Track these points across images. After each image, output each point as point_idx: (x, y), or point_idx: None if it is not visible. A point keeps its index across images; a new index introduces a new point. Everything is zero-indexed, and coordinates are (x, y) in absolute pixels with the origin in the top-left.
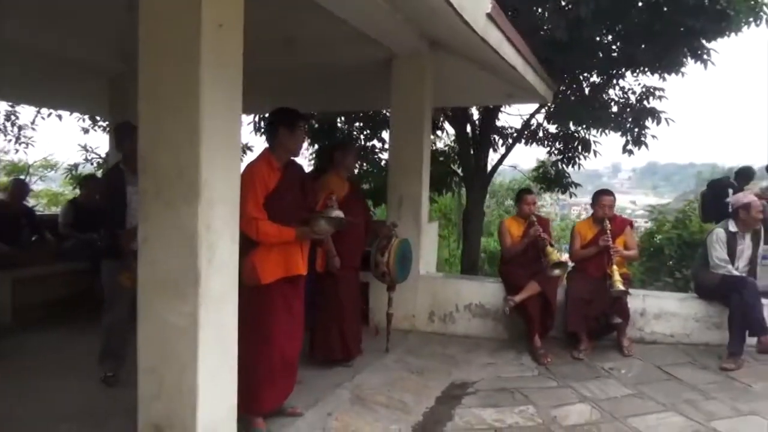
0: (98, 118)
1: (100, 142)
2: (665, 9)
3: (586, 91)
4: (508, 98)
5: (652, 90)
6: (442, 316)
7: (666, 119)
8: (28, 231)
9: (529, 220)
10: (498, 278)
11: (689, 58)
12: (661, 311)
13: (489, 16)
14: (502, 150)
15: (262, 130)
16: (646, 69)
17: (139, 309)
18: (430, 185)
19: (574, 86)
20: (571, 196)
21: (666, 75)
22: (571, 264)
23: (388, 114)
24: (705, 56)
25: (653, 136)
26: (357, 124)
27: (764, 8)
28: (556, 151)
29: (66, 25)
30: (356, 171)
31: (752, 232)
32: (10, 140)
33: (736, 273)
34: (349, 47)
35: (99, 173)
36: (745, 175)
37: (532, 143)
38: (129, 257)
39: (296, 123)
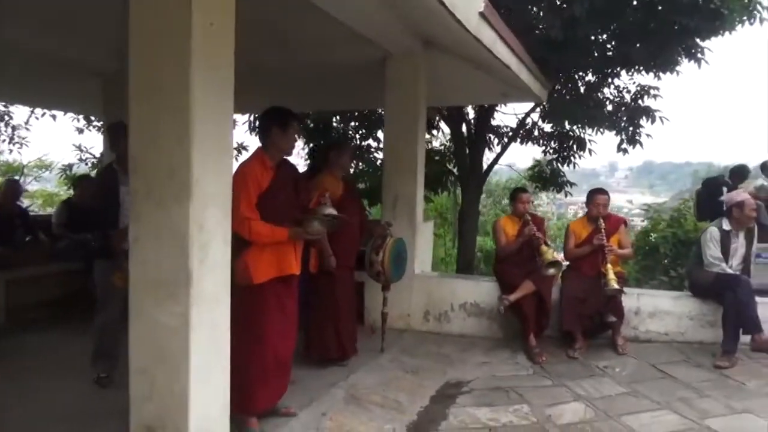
0: (93, 118)
1: (95, 142)
2: (660, 8)
3: (582, 89)
4: (503, 97)
5: (646, 89)
6: (438, 316)
7: (660, 118)
8: (21, 231)
9: (524, 219)
10: (493, 277)
11: (683, 57)
12: (656, 310)
13: (482, 15)
14: (498, 149)
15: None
16: (641, 68)
17: (131, 309)
18: (425, 184)
19: (570, 85)
20: (566, 195)
21: (661, 74)
22: (566, 263)
23: (383, 113)
24: (699, 55)
25: (648, 135)
26: (352, 123)
27: (758, 7)
28: (551, 150)
29: (60, 25)
30: (352, 170)
31: (746, 231)
32: (4, 140)
33: (730, 271)
34: (344, 46)
35: (93, 173)
36: (739, 174)
37: (527, 142)
38: (121, 257)
39: (289, 122)
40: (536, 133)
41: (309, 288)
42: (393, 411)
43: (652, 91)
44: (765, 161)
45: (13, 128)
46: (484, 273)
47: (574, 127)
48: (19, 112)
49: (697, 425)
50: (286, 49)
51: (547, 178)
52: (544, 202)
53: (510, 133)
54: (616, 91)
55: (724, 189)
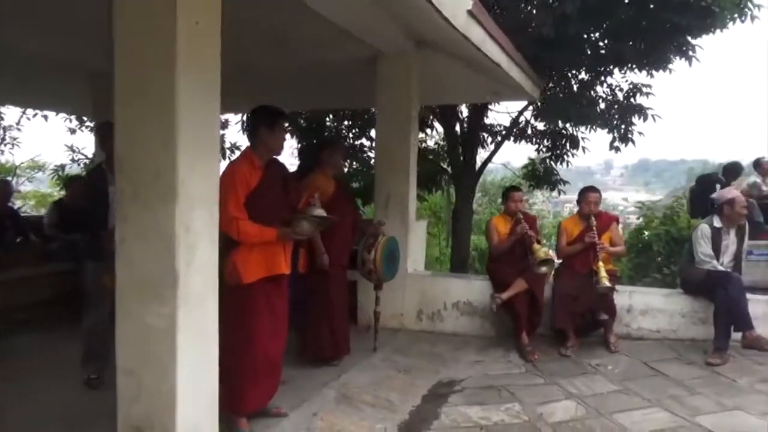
0: (85, 118)
1: (87, 142)
2: (651, 6)
3: (575, 88)
4: (496, 96)
5: (639, 87)
6: (431, 315)
7: (653, 116)
8: (12, 232)
9: (516, 217)
10: (486, 276)
11: (675, 55)
12: (648, 307)
13: (470, 12)
14: (492, 148)
15: None
16: (634, 66)
17: (118, 310)
18: (419, 183)
19: (563, 83)
20: (559, 194)
21: (654, 72)
22: (558, 261)
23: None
24: (690, 53)
25: (640, 133)
26: (346, 122)
27: (749, 4)
28: (544, 149)
29: (49, 25)
30: (345, 170)
31: (737, 228)
32: None
33: (721, 268)
34: (335, 46)
35: (85, 174)
36: (733, 171)
37: (520, 141)
38: (111, 258)
39: (277, 121)
40: (529, 131)
41: (303, 287)
42: (385, 410)
43: (644, 89)
44: (757, 158)
45: (5, 129)
46: (479, 272)
47: (567, 126)
48: (11, 113)
49: (688, 423)
50: (278, 49)
51: (540, 176)
52: (539, 201)
53: (503, 132)
54: (609, 89)
55: (718, 186)
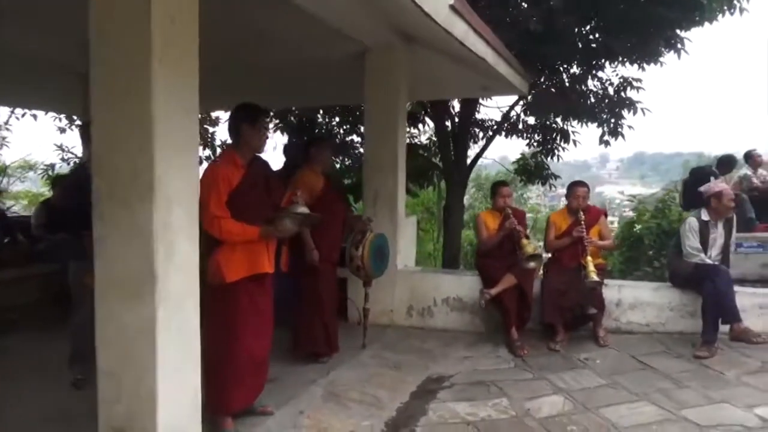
0: (74, 117)
1: (77, 141)
2: None
3: (566, 82)
4: (485, 91)
5: (629, 81)
6: (421, 311)
7: (642, 109)
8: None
9: (505, 212)
10: (476, 271)
11: (665, 48)
12: (636, 301)
13: (452, 7)
14: (483, 143)
15: None
16: (625, 60)
17: (97, 310)
18: (411, 179)
19: (554, 78)
20: (551, 188)
21: (645, 65)
22: (547, 255)
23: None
24: (679, 45)
25: (630, 127)
26: (336, 118)
27: None
28: (535, 143)
29: (37, 24)
30: (337, 166)
31: (724, 221)
32: None
33: (708, 261)
34: (323, 42)
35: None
36: (726, 164)
37: (511, 136)
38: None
39: (259, 119)
40: (520, 126)
41: (290, 285)
42: (372, 407)
43: (635, 83)
44: (749, 151)
45: None
46: (471, 267)
47: (558, 120)
48: None
49: (674, 416)
50: (266, 46)
51: (532, 171)
52: (534, 195)
53: (494, 127)
54: (599, 84)
55: (711, 178)
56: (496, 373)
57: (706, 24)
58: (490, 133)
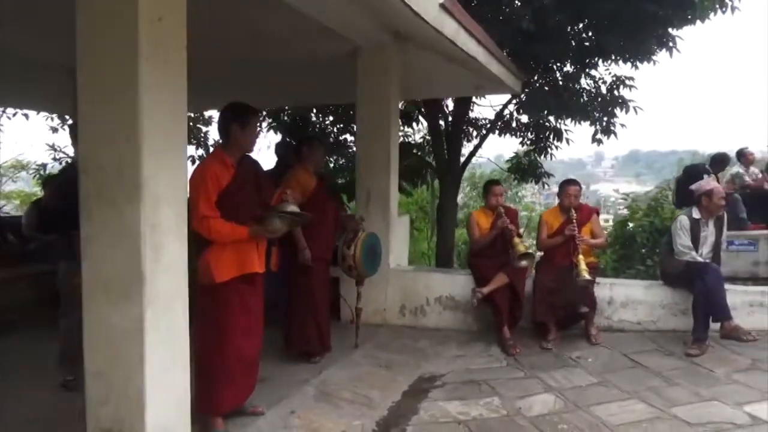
0: (67, 117)
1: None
2: None
3: (560, 80)
4: (477, 90)
5: (622, 79)
6: (413, 310)
7: (635, 108)
8: None
9: (497, 211)
10: (468, 270)
11: (657, 47)
12: (628, 299)
13: (442, 6)
14: (477, 141)
15: None
16: (618, 58)
17: (84, 311)
18: (405, 178)
19: (547, 76)
20: (544, 187)
21: (638, 63)
22: (539, 254)
23: None
24: (671, 44)
25: (622, 125)
26: (330, 117)
27: None
28: (528, 142)
29: (27, 23)
30: (331, 165)
31: (715, 219)
32: None
33: (699, 259)
34: (316, 41)
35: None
36: (719, 162)
37: (505, 134)
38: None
39: (248, 118)
40: (514, 124)
41: (282, 284)
42: (363, 407)
43: (627, 82)
44: (741, 149)
45: None
46: (466, 266)
47: (551, 118)
48: None
49: (664, 414)
50: (259, 45)
51: (525, 169)
52: (529, 194)
53: (488, 126)
54: (592, 82)
55: (705, 176)
56: (488, 371)
57: (700, 23)
58: (484, 131)
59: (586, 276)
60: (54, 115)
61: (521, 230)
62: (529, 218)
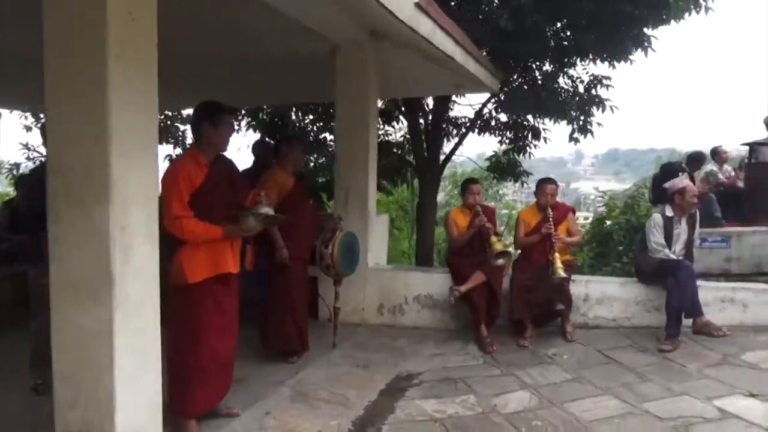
0: (42, 115)
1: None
2: None
3: (539, 80)
4: (457, 89)
5: (599, 78)
6: (392, 309)
7: (611, 107)
8: None
9: (474, 210)
10: (447, 269)
11: (632, 46)
12: (603, 296)
13: (417, 5)
14: (456, 140)
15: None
16: (596, 57)
17: (53, 313)
18: (385, 177)
19: (526, 75)
20: (522, 185)
21: (615, 63)
22: (517, 252)
23: None
24: (646, 43)
25: (599, 124)
26: (310, 116)
27: None
28: (507, 140)
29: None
30: (311, 164)
31: (688, 217)
32: None
33: (672, 256)
34: (292, 39)
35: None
36: (696, 160)
37: (484, 133)
38: None
39: (220, 117)
40: (493, 123)
41: (259, 284)
42: (340, 407)
43: (604, 81)
44: (715, 147)
45: None
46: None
47: (529, 117)
48: None
49: (636, 409)
50: (236, 43)
51: (504, 168)
52: (510, 191)
53: (468, 124)
54: (570, 81)
55: (680, 174)
56: (465, 369)
57: (675, 23)
58: (464, 130)
59: (562, 274)
60: (27, 114)
61: (501, 228)
62: (510, 216)
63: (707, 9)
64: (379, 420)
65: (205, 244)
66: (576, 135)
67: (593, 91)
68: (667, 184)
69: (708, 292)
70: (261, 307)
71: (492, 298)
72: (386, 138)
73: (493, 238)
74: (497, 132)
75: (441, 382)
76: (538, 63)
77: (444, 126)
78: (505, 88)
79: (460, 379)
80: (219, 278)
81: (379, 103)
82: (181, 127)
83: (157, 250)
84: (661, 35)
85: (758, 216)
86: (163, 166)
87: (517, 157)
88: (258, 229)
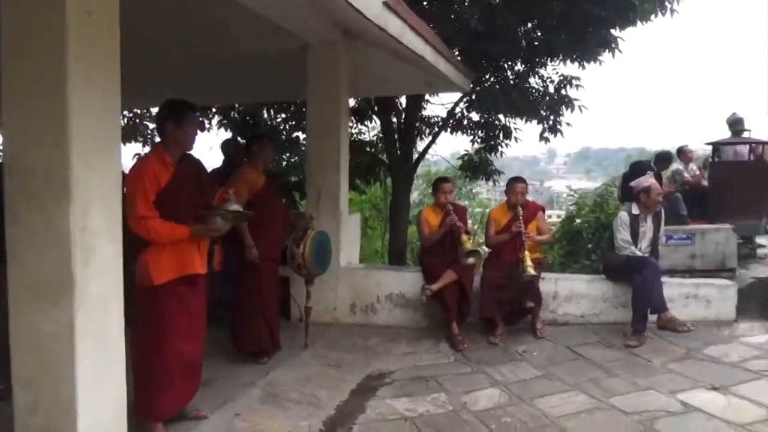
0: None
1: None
2: None
3: (511, 79)
4: (428, 87)
5: (569, 79)
6: (364, 308)
7: (580, 107)
8: None
9: (446, 209)
10: (419, 267)
11: (599, 47)
12: (572, 293)
13: (386, 4)
14: (430, 139)
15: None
16: (566, 58)
17: (11, 316)
18: (359, 176)
19: (497, 75)
20: (494, 184)
21: (584, 63)
22: (488, 250)
23: None
24: (613, 45)
25: (568, 124)
26: (282, 115)
27: None
28: (479, 140)
29: None
30: (283, 163)
31: (653, 215)
32: None
33: (638, 254)
34: (263, 37)
35: None
36: (664, 159)
37: (456, 132)
38: None
39: (184, 116)
40: (465, 123)
41: (228, 284)
42: (311, 407)
43: (574, 81)
44: (680, 147)
45: None
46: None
47: (500, 116)
48: None
49: (603, 404)
50: (205, 41)
51: (476, 167)
52: (484, 190)
53: (440, 123)
54: (540, 81)
55: (648, 173)
56: (436, 367)
57: (641, 24)
58: (436, 129)
59: (532, 272)
60: None
61: (474, 226)
62: (483, 214)
63: (672, 11)
64: (350, 420)
65: (171, 245)
66: (546, 134)
67: (563, 91)
68: (632, 183)
69: (673, 288)
70: (230, 307)
71: (463, 297)
72: (359, 137)
73: (464, 237)
74: (469, 131)
75: (412, 381)
76: (509, 63)
77: (417, 125)
78: (477, 88)
79: (431, 377)
80: (185, 279)
81: (352, 102)
82: (150, 126)
83: (120, 251)
84: (629, 37)
85: (722, 214)
86: (131, 165)
87: (489, 156)
88: (226, 229)
